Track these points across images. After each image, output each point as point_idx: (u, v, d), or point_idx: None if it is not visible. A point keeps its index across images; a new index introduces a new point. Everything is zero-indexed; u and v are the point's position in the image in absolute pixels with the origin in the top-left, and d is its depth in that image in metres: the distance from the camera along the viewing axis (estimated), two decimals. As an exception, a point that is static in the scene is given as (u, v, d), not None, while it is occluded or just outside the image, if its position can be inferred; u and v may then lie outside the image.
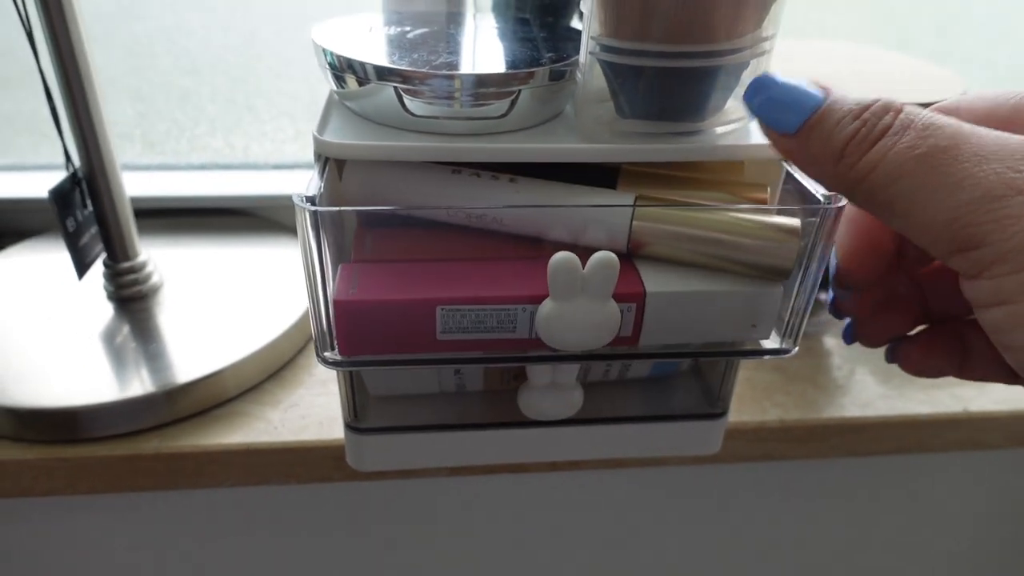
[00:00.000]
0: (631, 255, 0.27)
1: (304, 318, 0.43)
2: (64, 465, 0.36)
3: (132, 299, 0.43)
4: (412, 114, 0.27)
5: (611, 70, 0.26)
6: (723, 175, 0.29)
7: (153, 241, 0.48)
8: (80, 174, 0.40)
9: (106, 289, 0.43)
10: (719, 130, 0.28)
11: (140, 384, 0.37)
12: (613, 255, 0.25)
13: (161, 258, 0.46)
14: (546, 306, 0.26)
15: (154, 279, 0.44)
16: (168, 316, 0.43)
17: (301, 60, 0.51)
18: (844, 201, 0.26)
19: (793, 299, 0.28)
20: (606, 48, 0.26)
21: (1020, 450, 0.43)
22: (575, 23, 0.35)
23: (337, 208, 0.26)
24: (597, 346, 0.27)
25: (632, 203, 0.27)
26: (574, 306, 0.25)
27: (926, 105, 0.38)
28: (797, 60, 0.42)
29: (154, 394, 0.37)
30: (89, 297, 0.43)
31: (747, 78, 0.27)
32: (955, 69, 0.56)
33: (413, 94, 0.27)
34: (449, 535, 0.47)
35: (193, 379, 0.38)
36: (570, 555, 0.49)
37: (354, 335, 0.26)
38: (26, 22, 0.36)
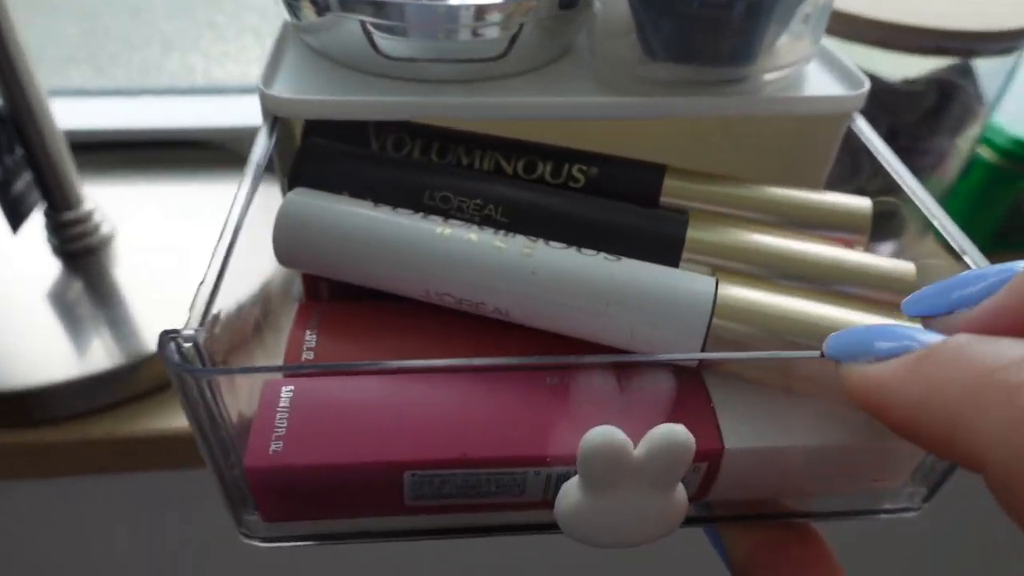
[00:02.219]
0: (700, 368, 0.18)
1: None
2: (16, 452, 0.32)
3: (80, 253, 0.38)
4: (384, 55, 0.22)
5: (639, 5, 0.21)
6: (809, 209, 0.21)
7: (103, 182, 0.42)
8: (3, 113, 0.34)
9: (50, 242, 0.38)
10: (768, 77, 0.22)
11: (97, 358, 0.33)
12: (687, 437, 0.14)
13: (112, 202, 0.40)
14: (572, 493, 0.15)
15: (104, 230, 0.39)
16: (124, 272, 0.38)
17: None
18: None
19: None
20: (633, -29, 0.20)
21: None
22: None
23: (234, 370, 0.17)
24: (646, 542, 0.17)
25: (712, 296, 0.17)
26: (617, 499, 0.15)
27: (999, 36, 0.32)
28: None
29: (112, 370, 0.33)
30: (32, 251, 0.38)
31: (806, 9, 0.21)
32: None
33: (386, 29, 0.21)
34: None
35: (154, 351, 0.33)
36: None
37: (282, 504, 0.18)
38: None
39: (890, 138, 0.36)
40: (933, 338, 0.13)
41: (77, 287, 0.37)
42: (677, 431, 0.14)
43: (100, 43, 0.46)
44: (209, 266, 0.17)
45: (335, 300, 0.22)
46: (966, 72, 0.35)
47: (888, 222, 0.43)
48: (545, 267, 0.18)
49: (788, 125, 0.24)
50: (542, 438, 0.17)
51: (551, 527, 0.17)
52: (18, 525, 0.40)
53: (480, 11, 0.21)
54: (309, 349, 0.19)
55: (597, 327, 0.18)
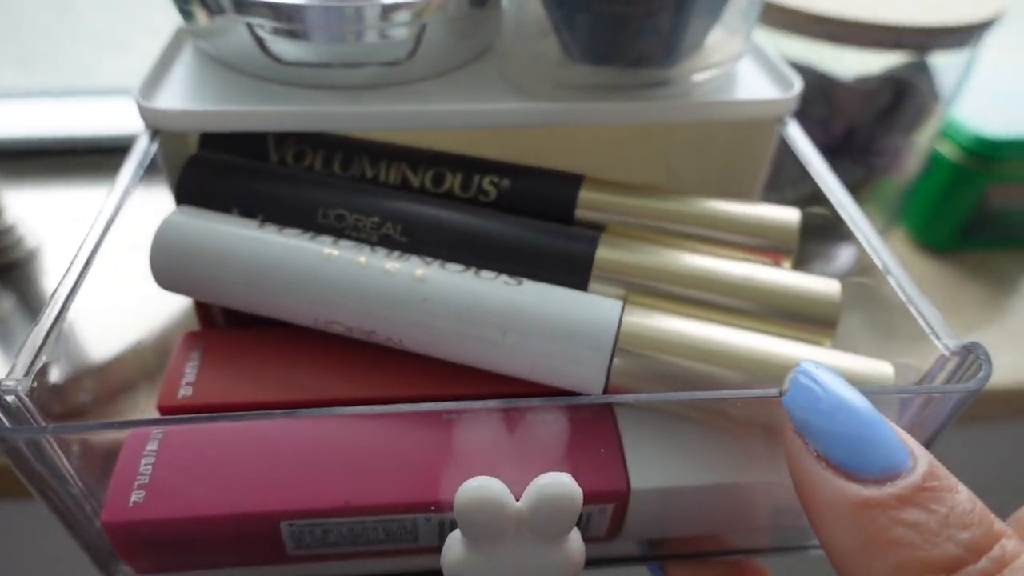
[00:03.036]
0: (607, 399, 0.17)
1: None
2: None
3: (5, 268, 0.36)
4: (280, 60, 0.20)
5: (554, 3, 0.19)
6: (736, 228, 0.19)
7: (27, 189, 0.41)
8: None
9: (-28, 256, 0.36)
10: (696, 78, 0.21)
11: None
12: (572, 488, 0.13)
13: (38, 212, 0.39)
14: (456, 547, 0.14)
15: (28, 243, 0.37)
16: (53, 286, 0.36)
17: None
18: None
19: None
20: (541, -32, 0.18)
21: (1017, 422, 0.39)
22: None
23: (74, 427, 0.15)
24: None
25: (617, 322, 0.16)
26: (502, 553, 0.13)
27: (951, 32, 0.31)
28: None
29: (53, 386, 0.31)
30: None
31: (737, 6, 0.20)
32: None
33: (281, 33, 0.19)
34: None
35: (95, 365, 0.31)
36: None
37: (150, 557, 0.16)
38: None
39: (846, 137, 0.35)
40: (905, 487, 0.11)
41: (5, 302, 0.36)
42: (562, 482, 0.13)
43: (25, 40, 0.44)
44: (49, 305, 0.15)
45: (230, 327, 0.20)
46: (921, 68, 0.33)
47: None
48: (438, 294, 0.16)
49: (718, 130, 0.22)
50: (433, 481, 0.15)
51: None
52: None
53: (384, 11, 0.19)
54: (188, 384, 0.18)
55: (495, 357, 0.16)
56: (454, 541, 0.14)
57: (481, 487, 0.13)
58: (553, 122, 0.20)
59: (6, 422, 0.13)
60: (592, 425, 0.16)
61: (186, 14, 0.21)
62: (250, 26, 0.19)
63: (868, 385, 0.16)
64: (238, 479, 0.15)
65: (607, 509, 0.16)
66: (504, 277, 0.17)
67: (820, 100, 0.33)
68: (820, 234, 0.38)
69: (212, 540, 0.16)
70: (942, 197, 0.42)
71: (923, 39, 0.30)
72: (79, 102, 0.45)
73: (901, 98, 0.33)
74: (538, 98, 0.20)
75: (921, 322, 0.16)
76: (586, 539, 0.14)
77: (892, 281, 0.16)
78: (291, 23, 0.19)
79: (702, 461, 0.16)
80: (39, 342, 0.14)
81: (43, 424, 0.14)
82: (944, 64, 0.33)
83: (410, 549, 0.16)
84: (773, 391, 0.13)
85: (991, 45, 0.34)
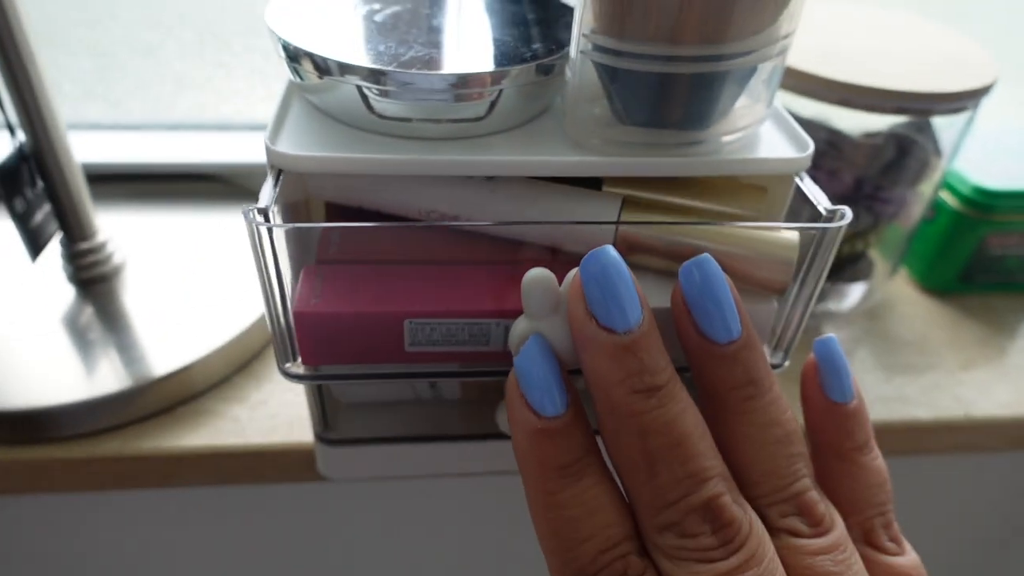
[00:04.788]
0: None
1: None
2: (25, 466, 0.34)
3: (93, 281, 0.40)
4: (379, 115, 0.24)
5: (606, 72, 0.23)
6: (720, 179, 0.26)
7: (115, 211, 0.45)
8: (26, 149, 0.36)
9: (65, 270, 0.41)
10: (726, 139, 0.25)
11: (105, 381, 0.35)
12: None
13: (124, 231, 0.43)
14: (519, 324, 0.22)
15: (116, 259, 0.41)
16: (133, 299, 0.40)
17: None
18: (848, 218, 0.23)
19: (786, 314, 0.26)
20: (600, 48, 0.22)
21: (1019, 453, 0.41)
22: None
23: (294, 225, 0.23)
24: (574, 366, 0.23)
25: (616, 220, 0.25)
26: (550, 325, 0.22)
27: (951, 97, 0.35)
28: (815, 27, 0.38)
29: (119, 393, 0.35)
30: (48, 278, 0.41)
31: (761, 78, 0.24)
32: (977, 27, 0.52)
33: (380, 93, 0.24)
34: (423, 535, 0.46)
35: (160, 375, 0.35)
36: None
37: (318, 346, 0.25)
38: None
39: (854, 187, 0.39)
40: None
41: (88, 313, 0.39)
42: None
43: (115, 79, 0.48)
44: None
45: (335, 263, 0.26)
46: (923, 127, 0.37)
47: (856, 264, 0.45)
48: (502, 188, 0.25)
49: (744, 179, 0.26)
50: (501, 300, 0.24)
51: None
52: (28, 538, 0.42)
53: (465, 79, 0.23)
54: (316, 297, 0.24)
55: (538, 234, 0.25)
56: (519, 320, 0.22)
57: (539, 271, 0.21)
58: (602, 173, 0.24)
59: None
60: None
61: (296, 72, 0.25)
62: (359, 87, 0.23)
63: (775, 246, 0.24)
64: (378, 294, 0.24)
65: None
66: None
67: (831, 153, 0.37)
68: (832, 276, 0.42)
69: (357, 333, 0.24)
70: (944, 243, 0.45)
71: (923, 104, 0.34)
72: (159, 134, 0.49)
73: (905, 153, 0.37)
74: (590, 152, 0.24)
75: (809, 196, 0.24)
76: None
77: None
78: (392, 87, 0.23)
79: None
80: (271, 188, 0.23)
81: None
82: (945, 123, 0.37)
83: (482, 354, 0.25)
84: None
85: (993, 101, 0.37)
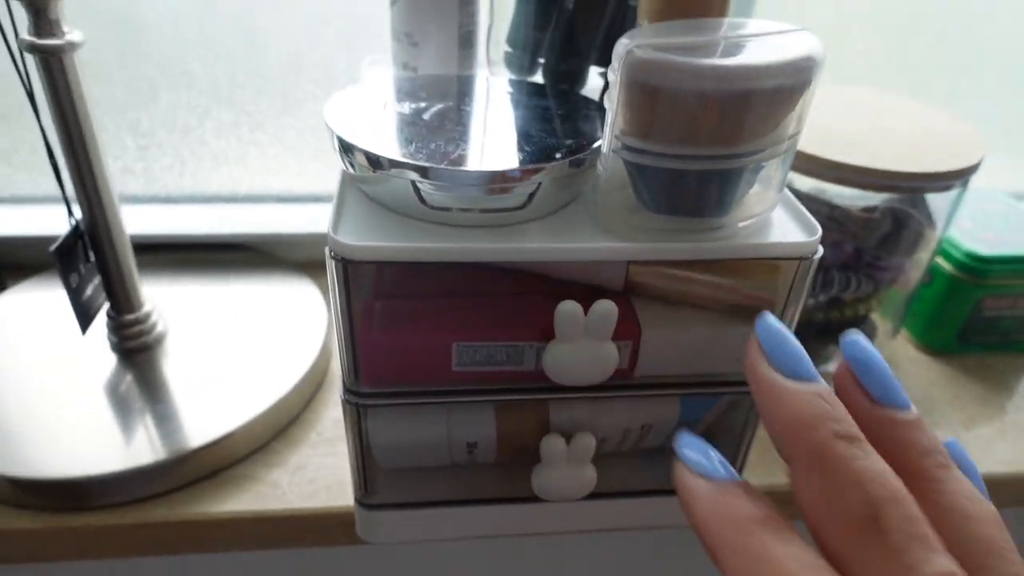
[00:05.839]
0: (629, 294, 0.30)
1: (311, 371, 0.42)
2: (72, 534, 0.35)
3: (137, 350, 0.43)
4: (429, 205, 0.27)
5: (633, 167, 0.26)
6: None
7: (154, 280, 0.47)
8: (82, 227, 0.39)
9: (110, 340, 0.43)
10: (741, 224, 0.27)
11: (148, 451, 0.37)
12: (612, 305, 0.27)
13: (163, 300, 0.45)
14: (552, 346, 0.28)
15: (158, 329, 0.43)
16: (174, 368, 0.42)
17: (305, 99, 0.50)
18: (819, 253, 0.27)
19: None
20: (628, 147, 0.25)
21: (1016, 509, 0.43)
22: (590, 79, 0.35)
23: (370, 260, 0.26)
24: (597, 381, 0.29)
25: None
26: (577, 346, 0.27)
27: (942, 176, 0.37)
28: (815, 109, 0.42)
29: (162, 462, 0.36)
30: (92, 346, 0.43)
31: (772, 170, 0.27)
32: (971, 111, 0.56)
33: (433, 187, 0.26)
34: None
35: (201, 444, 0.37)
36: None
37: (380, 369, 0.29)
38: (26, 83, 0.35)
39: (855, 256, 0.41)
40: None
41: (132, 381, 0.41)
42: (607, 303, 0.26)
43: (154, 157, 0.51)
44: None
45: (389, 297, 0.30)
46: (917, 202, 0.40)
47: (860, 327, 0.48)
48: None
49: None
50: (534, 324, 0.28)
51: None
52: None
53: (509, 174, 0.26)
54: (378, 326, 0.28)
55: (564, 270, 0.29)
56: (551, 344, 0.27)
57: (570, 303, 0.26)
58: (629, 257, 0.27)
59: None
60: (618, 304, 0.27)
61: (350, 165, 0.28)
62: (413, 182, 0.26)
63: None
64: (428, 321, 0.28)
65: (629, 344, 0.29)
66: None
67: (832, 226, 0.40)
68: (838, 336, 0.44)
69: (413, 356, 0.28)
70: (941, 306, 0.48)
71: (916, 183, 0.37)
72: (195, 207, 0.52)
73: (901, 226, 0.39)
74: (619, 238, 0.27)
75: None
76: (615, 373, 0.28)
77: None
78: (444, 182, 0.26)
79: (692, 317, 0.29)
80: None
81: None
82: (938, 197, 0.40)
83: (517, 372, 0.29)
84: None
85: (984, 169, 0.40)
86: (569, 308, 0.26)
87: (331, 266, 0.26)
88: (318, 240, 0.51)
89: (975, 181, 0.40)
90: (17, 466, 0.36)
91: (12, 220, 0.51)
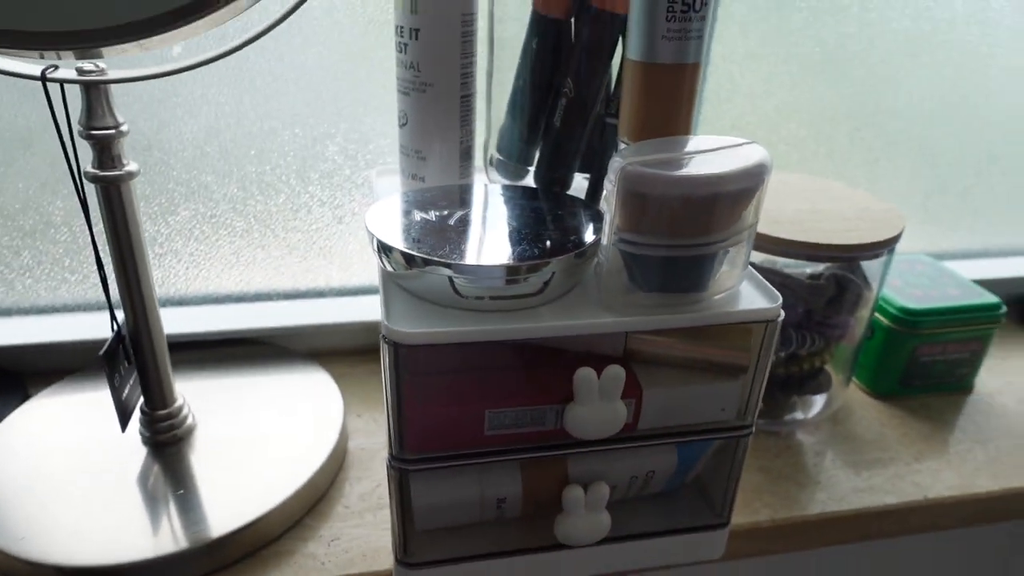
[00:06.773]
0: (628, 359, 0.36)
1: (335, 450, 0.46)
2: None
3: (169, 443, 0.46)
4: (462, 295, 0.32)
5: (628, 256, 0.32)
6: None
7: (182, 377, 0.51)
8: (124, 331, 0.43)
9: (142, 434, 0.46)
10: (716, 297, 0.33)
11: (178, 538, 0.39)
12: (621, 369, 0.33)
13: (191, 395, 0.49)
14: (572, 407, 0.34)
15: (188, 422, 0.47)
16: (205, 457, 0.45)
17: (309, 204, 0.56)
18: (781, 316, 0.34)
19: (749, 388, 0.36)
20: (624, 240, 0.31)
21: (971, 529, 0.49)
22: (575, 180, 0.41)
23: (420, 344, 0.31)
24: (609, 435, 0.34)
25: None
26: (592, 407, 0.33)
27: (873, 245, 0.45)
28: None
29: (195, 548, 0.39)
30: (124, 440, 0.46)
31: (739, 253, 0.33)
32: (888, 189, 0.64)
33: (466, 281, 0.32)
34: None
35: (242, 524, 0.40)
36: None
37: (423, 436, 0.34)
38: (85, 205, 0.40)
39: (806, 318, 0.48)
40: None
41: (162, 475, 0.44)
42: (616, 369, 0.32)
43: (170, 265, 0.56)
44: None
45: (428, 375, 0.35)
46: (854, 268, 0.47)
47: (816, 379, 0.54)
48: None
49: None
50: (553, 392, 0.33)
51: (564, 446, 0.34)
52: None
53: (527, 268, 0.31)
54: (421, 396, 0.32)
55: (576, 342, 0.33)
56: (570, 404, 0.33)
57: (586, 369, 0.32)
58: (627, 329, 0.33)
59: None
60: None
61: (388, 263, 0.33)
62: (450, 278, 0.31)
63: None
64: (462, 394, 0.33)
65: (632, 402, 0.34)
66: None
67: (785, 292, 0.46)
68: (798, 390, 0.51)
69: (450, 424, 0.33)
70: (883, 356, 0.55)
71: (850, 254, 0.44)
72: (208, 308, 0.56)
73: (843, 289, 0.46)
74: (618, 313, 0.32)
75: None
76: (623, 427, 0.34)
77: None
78: (475, 276, 0.31)
79: (683, 377, 0.35)
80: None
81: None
82: (871, 264, 0.47)
83: (539, 432, 0.34)
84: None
85: (906, 239, 0.47)
86: (586, 373, 0.32)
87: (385, 350, 0.31)
88: (327, 330, 0.56)
89: (900, 247, 0.48)
90: (50, 555, 0.38)
91: (36, 329, 0.54)
